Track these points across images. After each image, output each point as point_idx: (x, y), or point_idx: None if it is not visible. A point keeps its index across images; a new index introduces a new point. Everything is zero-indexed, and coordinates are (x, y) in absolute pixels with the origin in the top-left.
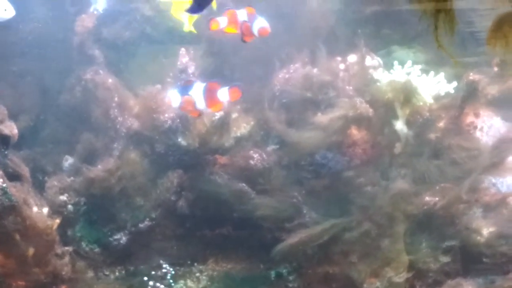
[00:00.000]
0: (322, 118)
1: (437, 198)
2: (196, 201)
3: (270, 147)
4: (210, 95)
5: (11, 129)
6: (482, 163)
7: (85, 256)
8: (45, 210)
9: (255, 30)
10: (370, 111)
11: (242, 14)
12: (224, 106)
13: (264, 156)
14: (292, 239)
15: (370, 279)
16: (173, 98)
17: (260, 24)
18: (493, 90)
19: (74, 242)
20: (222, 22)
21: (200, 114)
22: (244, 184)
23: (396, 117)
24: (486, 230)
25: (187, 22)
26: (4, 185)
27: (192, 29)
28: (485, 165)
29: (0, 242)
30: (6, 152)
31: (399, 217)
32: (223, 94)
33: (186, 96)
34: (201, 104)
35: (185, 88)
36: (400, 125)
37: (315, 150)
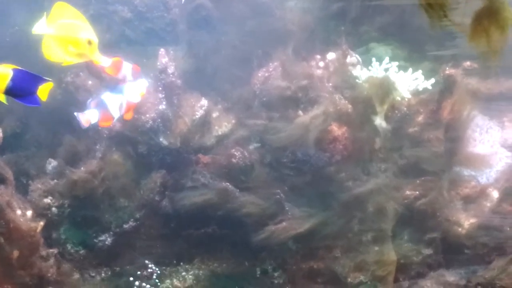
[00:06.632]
0: (302, 115)
1: (417, 192)
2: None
3: (252, 145)
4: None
5: None
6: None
7: (71, 258)
8: (29, 213)
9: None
10: (350, 107)
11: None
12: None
13: (246, 154)
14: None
15: (354, 273)
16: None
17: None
18: (470, 84)
19: (59, 244)
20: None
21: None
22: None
23: (375, 112)
24: (466, 222)
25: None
26: None
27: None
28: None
29: None
30: None
31: (381, 211)
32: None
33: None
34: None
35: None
36: (379, 121)
37: (296, 147)
